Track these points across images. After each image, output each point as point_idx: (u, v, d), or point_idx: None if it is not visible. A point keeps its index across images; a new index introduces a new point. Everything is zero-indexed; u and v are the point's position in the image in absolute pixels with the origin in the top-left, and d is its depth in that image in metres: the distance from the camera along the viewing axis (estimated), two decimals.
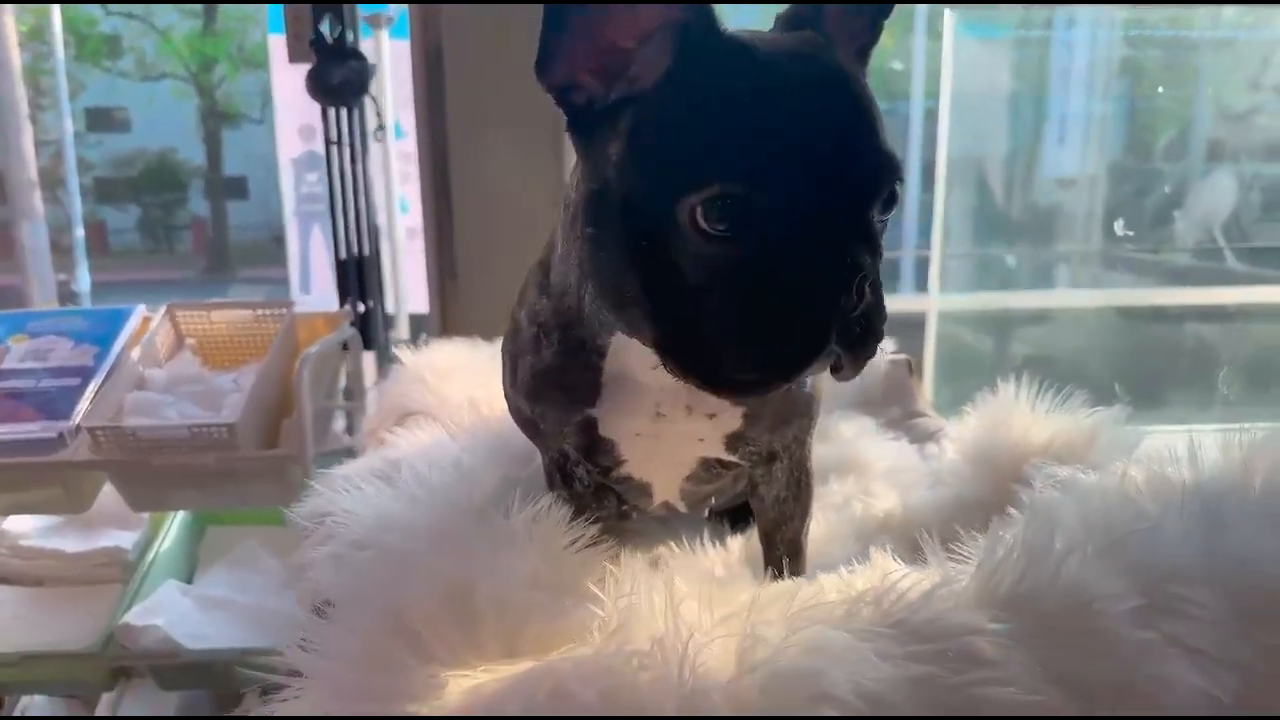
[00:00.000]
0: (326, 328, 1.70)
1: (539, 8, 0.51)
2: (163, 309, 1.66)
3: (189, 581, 1.66)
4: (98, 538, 1.65)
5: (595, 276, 0.57)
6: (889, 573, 0.60)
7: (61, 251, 6.34)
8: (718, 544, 0.87)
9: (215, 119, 6.72)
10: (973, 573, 0.58)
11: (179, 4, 6.40)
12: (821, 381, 0.73)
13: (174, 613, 1.51)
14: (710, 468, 0.73)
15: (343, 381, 1.76)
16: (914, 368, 1.26)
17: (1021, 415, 0.89)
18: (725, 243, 0.48)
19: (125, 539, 1.65)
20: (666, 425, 0.66)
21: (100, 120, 7.28)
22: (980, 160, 2.55)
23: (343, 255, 1.73)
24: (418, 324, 2.22)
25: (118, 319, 1.64)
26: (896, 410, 1.19)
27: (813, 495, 0.78)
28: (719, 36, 0.50)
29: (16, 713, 1.57)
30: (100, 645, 1.43)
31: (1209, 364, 2.26)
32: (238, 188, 6.92)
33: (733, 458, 0.72)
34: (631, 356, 0.63)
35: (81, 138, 7.20)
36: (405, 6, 1.75)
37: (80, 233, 6.13)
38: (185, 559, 1.70)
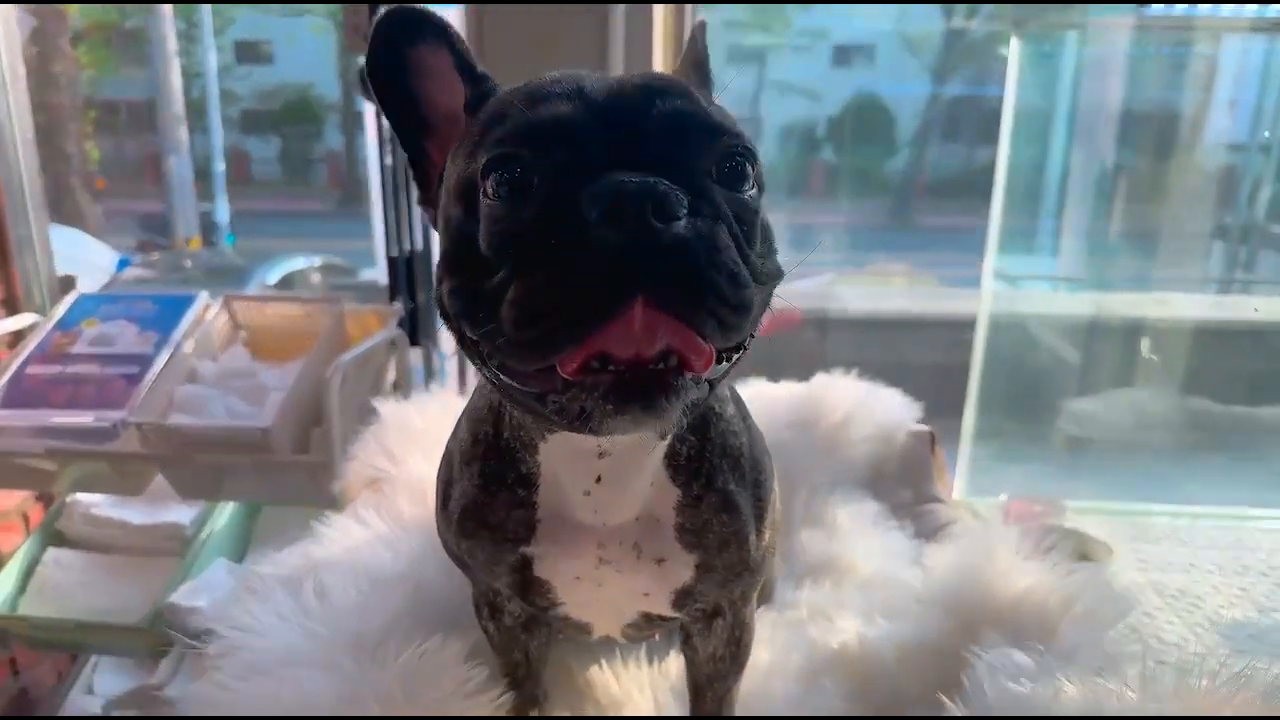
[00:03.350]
0: (378, 323, 1.72)
1: None
2: (220, 299, 1.71)
3: (240, 560, 1.75)
4: (160, 512, 1.75)
5: (440, 307, 0.53)
6: None
7: (208, 181, 6.74)
8: (656, 662, 0.83)
9: (350, 55, 6.92)
10: None
11: None
12: (773, 538, 0.68)
13: (218, 594, 1.60)
14: (651, 620, 0.69)
15: (392, 375, 1.78)
16: (936, 440, 1.15)
17: (1004, 556, 0.79)
18: (507, 200, 0.47)
19: (184, 515, 1.75)
20: (610, 573, 0.62)
21: (247, 53, 7.61)
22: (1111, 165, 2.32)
23: (394, 252, 1.73)
24: None
25: (181, 306, 1.70)
26: (908, 493, 1.10)
27: (750, 653, 0.73)
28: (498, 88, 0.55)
29: (87, 669, 1.72)
30: (148, 622, 1.52)
31: None
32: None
33: (677, 615, 0.67)
34: (565, 486, 0.59)
35: (230, 70, 7.57)
36: None
37: (221, 167, 6.49)
38: (238, 538, 1.79)
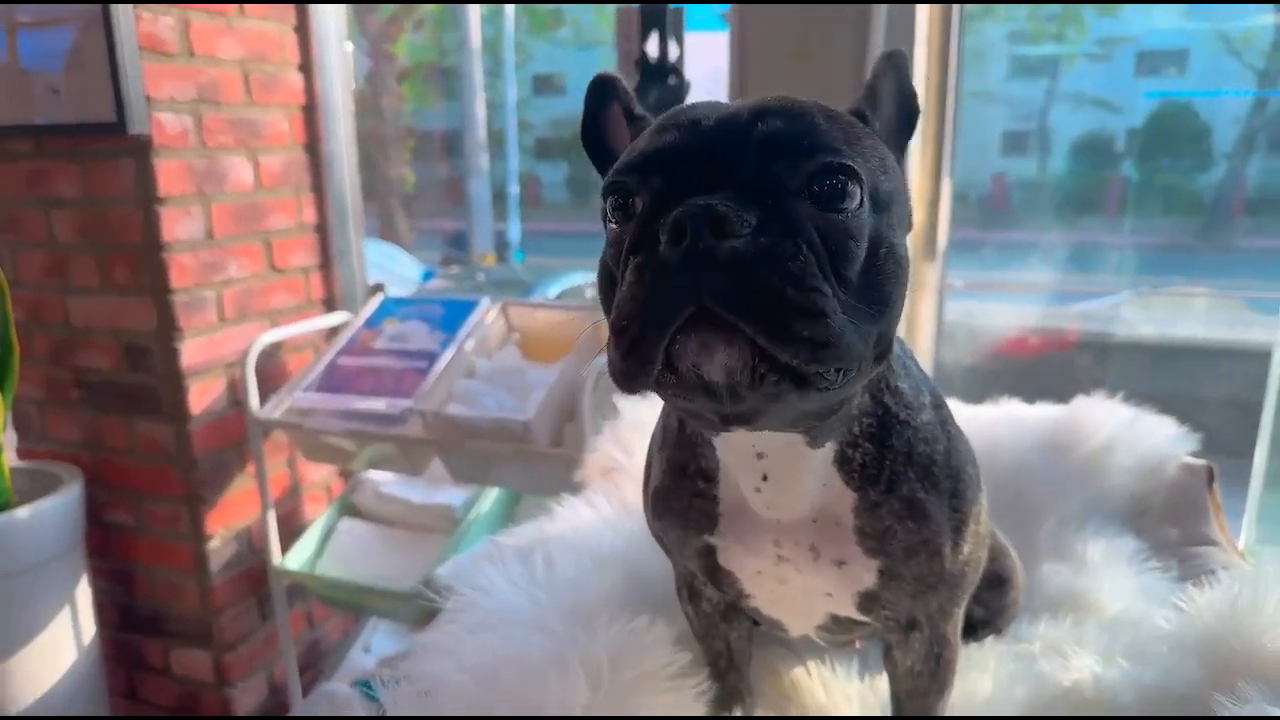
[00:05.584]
0: None
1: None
2: (499, 305, 1.89)
3: None
4: (436, 493, 1.96)
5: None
6: None
7: (504, 203, 7.39)
8: (868, 678, 0.81)
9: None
10: None
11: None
12: (1010, 563, 0.65)
13: None
14: (842, 623, 0.69)
15: None
16: (1215, 477, 1.02)
17: (1277, 604, 0.69)
18: (620, 223, 0.53)
19: (456, 497, 1.95)
20: (790, 571, 0.63)
21: (543, 85, 8.29)
22: None
23: None
24: None
25: (465, 310, 1.90)
26: (1175, 532, 0.98)
27: (954, 672, 0.70)
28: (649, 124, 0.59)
29: (367, 629, 1.96)
30: (417, 591, 1.70)
31: None
32: None
33: (865, 618, 0.67)
34: (739, 482, 0.62)
35: (527, 102, 8.28)
36: None
37: (515, 189, 7.10)
38: (500, 522, 1.95)
